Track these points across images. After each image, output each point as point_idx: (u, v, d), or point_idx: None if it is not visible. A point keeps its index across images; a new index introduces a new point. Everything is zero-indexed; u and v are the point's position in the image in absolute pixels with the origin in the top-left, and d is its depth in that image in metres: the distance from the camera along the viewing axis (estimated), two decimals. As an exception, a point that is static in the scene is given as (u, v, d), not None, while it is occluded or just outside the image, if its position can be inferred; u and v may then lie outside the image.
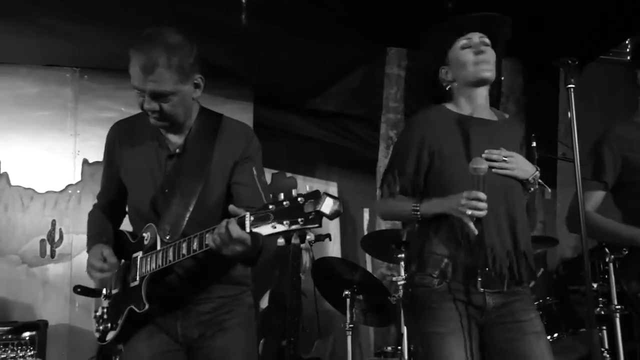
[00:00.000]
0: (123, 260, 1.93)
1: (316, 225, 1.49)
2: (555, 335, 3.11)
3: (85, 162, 4.39)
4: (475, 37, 1.93)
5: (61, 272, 4.19)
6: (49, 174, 4.31)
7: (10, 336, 3.34)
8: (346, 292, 3.50)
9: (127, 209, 2.09)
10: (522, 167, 1.94)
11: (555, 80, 4.36)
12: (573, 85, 1.95)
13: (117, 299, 1.94)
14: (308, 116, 5.09)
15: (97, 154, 4.36)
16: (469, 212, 1.76)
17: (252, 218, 1.55)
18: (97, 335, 1.99)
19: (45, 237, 4.23)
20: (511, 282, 1.88)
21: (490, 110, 2.04)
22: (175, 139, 1.94)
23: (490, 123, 1.98)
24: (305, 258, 3.78)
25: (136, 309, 1.84)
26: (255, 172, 1.89)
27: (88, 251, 2.01)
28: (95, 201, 2.17)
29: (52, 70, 4.40)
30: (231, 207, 1.61)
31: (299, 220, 1.49)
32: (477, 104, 1.98)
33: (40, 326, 3.62)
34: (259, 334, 4.00)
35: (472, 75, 1.92)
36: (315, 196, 1.48)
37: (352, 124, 5.12)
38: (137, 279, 1.87)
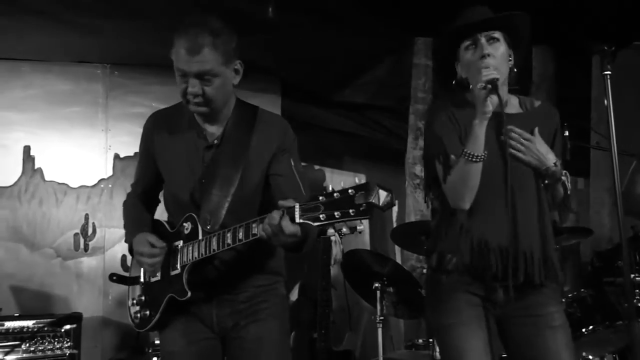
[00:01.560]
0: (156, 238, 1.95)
1: (367, 217, 1.49)
2: (591, 327, 3.05)
3: (116, 156, 4.45)
4: (482, 36, 1.89)
5: (94, 265, 4.25)
6: (82, 169, 4.37)
7: (47, 328, 3.42)
8: (376, 285, 3.48)
9: (162, 198, 2.12)
10: (536, 154, 1.88)
11: (587, 67, 4.26)
12: (609, 72, 1.90)
13: (157, 287, 1.97)
14: (335, 108, 5.08)
15: (127, 149, 4.43)
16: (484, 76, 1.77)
17: (301, 209, 1.57)
18: (135, 322, 2.04)
19: (78, 231, 4.30)
20: (526, 283, 1.84)
21: (514, 98, 2.00)
22: (213, 130, 1.98)
23: (512, 117, 1.92)
24: (335, 250, 3.78)
25: (177, 297, 1.87)
26: (292, 163, 1.91)
27: (127, 241, 2.06)
28: (129, 190, 2.21)
29: (83, 67, 4.46)
30: (280, 202, 1.63)
31: (350, 211, 1.50)
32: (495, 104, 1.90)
33: (76, 318, 3.70)
34: (291, 327, 4.02)
35: (477, 82, 1.86)
36: (367, 188, 1.50)
37: (379, 115, 5.09)
38: (178, 267, 1.90)
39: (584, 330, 2.99)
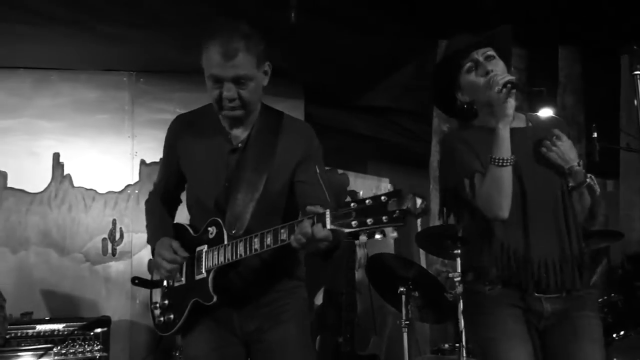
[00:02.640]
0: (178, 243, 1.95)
1: (401, 224, 1.48)
2: (622, 333, 2.98)
3: (142, 162, 4.53)
4: (479, 56, 1.90)
5: (122, 269, 4.33)
6: (109, 175, 4.46)
7: (77, 331, 3.49)
8: (401, 289, 3.45)
9: (186, 200, 2.11)
10: (561, 151, 1.87)
11: (615, 67, 4.18)
12: (639, 72, 1.87)
13: (181, 292, 1.97)
14: (359, 112, 5.07)
15: (153, 155, 4.49)
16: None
17: (332, 215, 1.57)
18: (158, 326, 2.04)
19: (106, 235, 4.39)
20: (562, 288, 1.83)
21: (520, 114, 1.99)
22: (238, 134, 1.97)
23: (517, 131, 1.90)
24: (360, 254, 3.77)
25: (203, 302, 1.87)
26: (317, 170, 1.91)
27: (150, 241, 2.06)
28: (151, 189, 2.20)
29: (109, 75, 4.55)
30: (308, 208, 1.63)
31: (383, 218, 1.49)
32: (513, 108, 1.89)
33: (104, 322, 3.75)
34: (315, 331, 4.02)
35: (487, 100, 1.85)
36: (400, 195, 1.50)
37: (403, 118, 5.07)
38: (204, 272, 1.89)
39: (614, 335, 2.93)
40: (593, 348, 1.82)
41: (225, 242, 1.85)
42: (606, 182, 5.71)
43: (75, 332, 3.37)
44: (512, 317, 1.84)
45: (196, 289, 1.91)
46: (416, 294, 3.55)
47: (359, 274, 4.02)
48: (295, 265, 2.03)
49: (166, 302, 2.03)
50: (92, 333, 3.55)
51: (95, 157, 4.46)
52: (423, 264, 4.59)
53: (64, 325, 3.62)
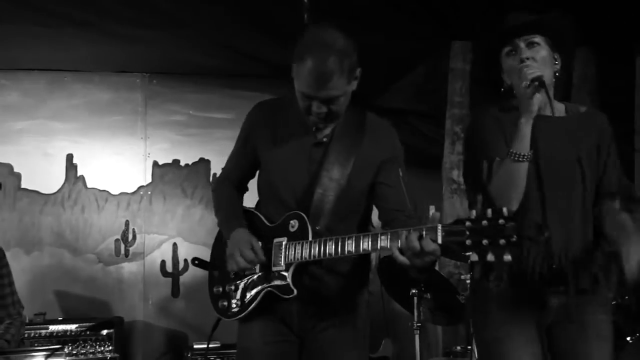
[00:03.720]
0: (260, 243, 1.92)
1: (519, 251, 1.48)
2: (636, 335, 2.95)
3: (155, 164, 4.53)
4: (521, 41, 1.86)
5: (135, 270, 4.34)
6: (122, 176, 4.48)
7: (89, 332, 3.51)
8: (413, 291, 3.44)
9: (257, 184, 2.08)
10: None
11: (630, 69, 4.14)
12: (655, 74, 1.84)
13: (252, 280, 1.93)
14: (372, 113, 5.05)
15: (166, 156, 4.51)
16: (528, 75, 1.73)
17: (444, 230, 1.53)
18: (221, 309, 2.00)
19: (119, 237, 4.40)
20: (570, 283, 1.79)
21: (560, 104, 1.94)
22: (323, 129, 1.92)
23: (554, 120, 1.87)
24: (371, 256, 3.75)
25: (279, 293, 1.85)
26: (401, 174, 1.88)
27: (223, 227, 2.03)
28: (218, 176, 2.20)
29: (122, 77, 4.57)
30: (430, 223, 1.56)
31: (500, 242, 1.46)
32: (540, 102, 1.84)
33: (116, 323, 3.77)
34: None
35: (521, 81, 1.81)
36: (517, 219, 1.47)
37: (416, 120, 5.04)
38: (282, 264, 1.86)
39: (628, 339, 2.90)
40: (601, 346, 1.79)
41: (311, 239, 1.82)
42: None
43: (83, 333, 3.39)
44: (516, 316, 1.81)
45: (271, 280, 1.88)
46: (428, 296, 3.53)
47: (371, 275, 3.99)
48: (367, 271, 2.03)
49: (232, 288, 1.98)
50: (104, 334, 3.57)
51: (108, 158, 4.49)
52: (436, 266, 4.57)
53: (76, 325, 3.64)
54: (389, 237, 1.63)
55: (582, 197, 1.85)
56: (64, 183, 4.41)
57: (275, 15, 3.75)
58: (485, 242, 1.47)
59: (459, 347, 3.68)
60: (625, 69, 4.16)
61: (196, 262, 2.10)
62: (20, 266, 4.20)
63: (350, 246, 1.71)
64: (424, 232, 1.55)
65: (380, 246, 1.65)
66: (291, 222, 1.89)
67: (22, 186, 4.35)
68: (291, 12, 3.67)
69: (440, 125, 4.44)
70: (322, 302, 1.91)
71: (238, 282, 1.99)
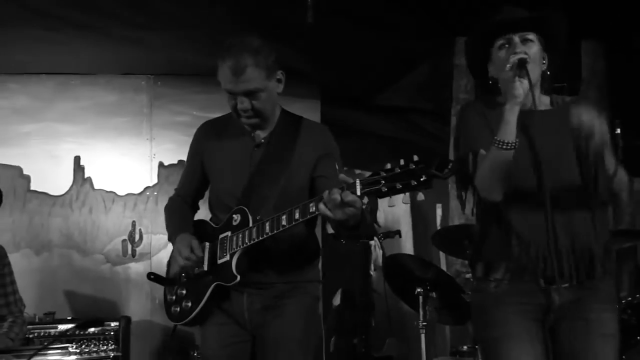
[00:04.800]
0: (207, 243, 2.06)
1: (429, 188, 1.58)
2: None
3: (160, 164, 4.56)
4: (516, 36, 1.85)
5: (142, 270, 4.36)
6: (128, 177, 4.51)
7: (93, 330, 3.54)
8: (418, 290, 3.43)
9: (208, 202, 2.21)
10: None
11: (640, 61, 4.09)
12: (665, 66, 1.81)
13: (201, 278, 2.04)
14: (375, 112, 5.05)
15: (171, 157, 4.54)
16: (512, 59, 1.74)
17: (361, 183, 1.66)
18: (173, 315, 2.09)
19: (126, 237, 4.44)
20: (572, 278, 1.75)
21: (545, 97, 1.93)
22: (261, 134, 2.10)
23: (546, 113, 1.86)
24: (375, 255, 3.75)
25: (224, 283, 1.96)
26: (337, 167, 2.00)
27: (171, 239, 2.14)
28: (172, 194, 2.31)
29: (128, 79, 4.60)
30: (341, 176, 1.72)
31: (412, 182, 1.58)
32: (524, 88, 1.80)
33: (121, 322, 3.80)
34: (332, 332, 4.01)
35: (507, 73, 1.81)
36: (427, 161, 1.57)
37: (420, 118, 5.03)
38: (227, 255, 1.98)
39: (639, 337, 2.86)
40: (604, 344, 1.76)
41: (251, 225, 1.94)
42: (633, 180, 5.56)
43: (89, 331, 3.43)
44: (516, 315, 1.79)
45: (218, 273, 2.00)
46: (434, 295, 3.52)
47: (377, 275, 4.00)
48: (312, 261, 2.13)
49: (183, 291, 2.09)
50: (110, 333, 3.60)
51: (114, 159, 4.52)
52: (443, 264, 4.55)
53: (71, 325, 3.65)
54: (315, 202, 1.77)
55: (583, 189, 1.81)
56: (72, 184, 4.45)
57: (278, 16, 3.75)
58: (399, 186, 1.59)
59: (465, 347, 3.65)
60: (635, 63, 4.11)
61: (152, 277, 2.19)
62: (30, 266, 4.27)
63: (284, 220, 1.85)
64: (344, 187, 1.68)
65: (310, 212, 1.78)
66: (234, 216, 2.02)
67: (32, 188, 4.40)
68: (294, 12, 3.68)
69: (445, 123, 4.42)
70: (263, 295, 2.02)
71: (189, 283, 2.08)
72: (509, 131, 1.73)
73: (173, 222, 2.21)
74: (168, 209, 2.27)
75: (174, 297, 2.12)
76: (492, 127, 1.82)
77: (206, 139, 2.18)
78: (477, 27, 1.95)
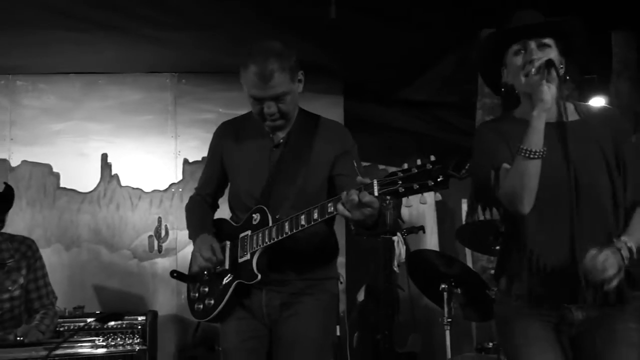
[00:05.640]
0: (228, 242, 2.09)
1: (446, 188, 1.59)
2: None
3: (185, 161, 4.62)
4: (532, 41, 1.79)
5: (168, 265, 4.43)
6: (154, 174, 4.58)
7: (121, 324, 3.62)
8: (443, 286, 3.40)
9: (228, 201, 2.23)
10: None
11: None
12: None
13: (223, 277, 2.06)
14: (399, 107, 5.01)
15: (196, 154, 4.58)
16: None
17: (379, 184, 1.67)
18: (197, 312, 2.13)
19: (152, 233, 4.51)
20: (595, 302, 1.70)
21: (570, 105, 1.85)
22: (279, 134, 2.12)
23: (575, 124, 1.78)
24: (398, 251, 3.73)
25: (245, 282, 1.98)
26: (356, 165, 2.00)
27: (192, 238, 2.18)
28: (192, 193, 2.35)
29: (153, 77, 4.66)
30: (358, 178, 1.73)
31: (429, 182, 1.58)
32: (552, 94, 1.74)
33: (148, 316, 3.87)
34: (356, 328, 4.01)
35: (524, 89, 1.78)
36: (443, 161, 1.58)
37: (445, 112, 4.97)
38: (248, 254, 2.00)
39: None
40: (629, 353, 1.70)
41: (270, 224, 1.96)
42: None
43: (115, 325, 3.50)
44: (538, 324, 1.76)
45: (239, 272, 2.02)
46: (458, 291, 3.48)
47: (400, 271, 3.97)
48: (331, 259, 2.14)
49: (206, 289, 2.11)
50: (137, 326, 3.67)
51: (140, 157, 4.59)
52: (468, 260, 4.50)
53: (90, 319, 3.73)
54: (334, 203, 1.78)
55: (612, 207, 1.75)
56: (100, 182, 4.54)
57: (301, 12, 3.75)
58: (416, 186, 1.60)
59: (491, 343, 3.61)
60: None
61: (175, 274, 2.22)
62: (60, 262, 4.37)
63: (303, 220, 1.86)
64: (362, 188, 1.69)
65: (328, 212, 1.79)
66: (253, 216, 2.04)
67: (61, 185, 4.50)
68: (317, 8, 3.67)
69: (470, 117, 4.36)
70: (281, 292, 2.03)
71: (211, 281, 2.10)
72: (536, 139, 1.66)
73: (194, 221, 2.23)
74: (189, 208, 2.30)
75: (196, 295, 2.15)
76: (509, 142, 1.78)
77: (225, 139, 2.19)
78: (489, 34, 1.91)
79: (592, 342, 1.74)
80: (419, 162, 1.61)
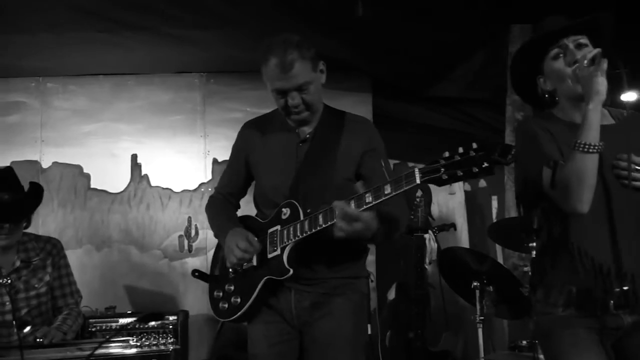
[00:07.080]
0: (256, 238, 2.04)
1: (491, 174, 1.55)
2: None
3: (214, 161, 4.64)
4: (569, 42, 1.77)
5: (198, 265, 4.43)
6: (184, 174, 4.60)
7: (153, 324, 3.65)
8: (475, 283, 3.36)
9: (253, 199, 2.21)
10: None
11: None
12: None
13: (251, 274, 2.03)
14: (429, 104, 4.96)
15: (225, 153, 4.56)
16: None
17: (420, 172, 1.65)
18: (222, 311, 2.09)
19: (182, 233, 4.53)
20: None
21: (604, 109, 1.83)
22: (305, 129, 2.11)
23: (605, 129, 1.74)
24: (430, 248, 3.70)
25: (276, 277, 1.94)
26: (383, 163, 2.00)
27: (218, 236, 2.15)
28: (212, 193, 2.33)
29: (182, 77, 4.69)
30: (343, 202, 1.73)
31: (474, 169, 1.55)
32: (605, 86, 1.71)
33: (180, 315, 3.89)
34: (387, 326, 3.98)
35: (574, 92, 1.76)
36: (487, 147, 1.54)
37: (475, 108, 4.91)
38: (278, 249, 1.97)
39: None
40: None
41: (302, 218, 1.93)
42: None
43: (148, 325, 3.52)
44: (584, 331, 1.73)
45: (268, 268, 1.98)
46: (491, 288, 3.44)
47: (432, 269, 3.94)
48: (361, 256, 2.11)
49: (232, 287, 2.08)
50: (169, 326, 3.69)
51: (170, 157, 4.62)
52: (499, 257, 4.44)
53: (131, 320, 3.77)
54: (372, 193, 1.76)
55: None
56: (130, 182, 4.57)
57: (328, 10, 3.73)
58: (460, 173, 1.57)
59: (524, 342, 3.56)
60: None
61: (196, 274, 2.19)
62: (92, 262, 4.42)
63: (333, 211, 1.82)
64: (403, 178, 1.68)
65: (366, 202, 1.77)
66: (283, 210, 2.01)
67: (92, 186, 4.54)
68: (344, 5, 3.65)
69: (500, 112, 4.30)
70: (312, 292, 2.00)
71: (237, 279, 2.07)
72: (594, 132, 1.63)
73: (219, 220, 2.20)
74: (211, 208, 2.28)
75: (221, 294, 2.11)
76: (558, 141, 1.76)
77: (250, 137, 2.18)
78: (525, 43, 1.89)
79: (637, 346, 1.71)
80: (460, 149, 1.58)
